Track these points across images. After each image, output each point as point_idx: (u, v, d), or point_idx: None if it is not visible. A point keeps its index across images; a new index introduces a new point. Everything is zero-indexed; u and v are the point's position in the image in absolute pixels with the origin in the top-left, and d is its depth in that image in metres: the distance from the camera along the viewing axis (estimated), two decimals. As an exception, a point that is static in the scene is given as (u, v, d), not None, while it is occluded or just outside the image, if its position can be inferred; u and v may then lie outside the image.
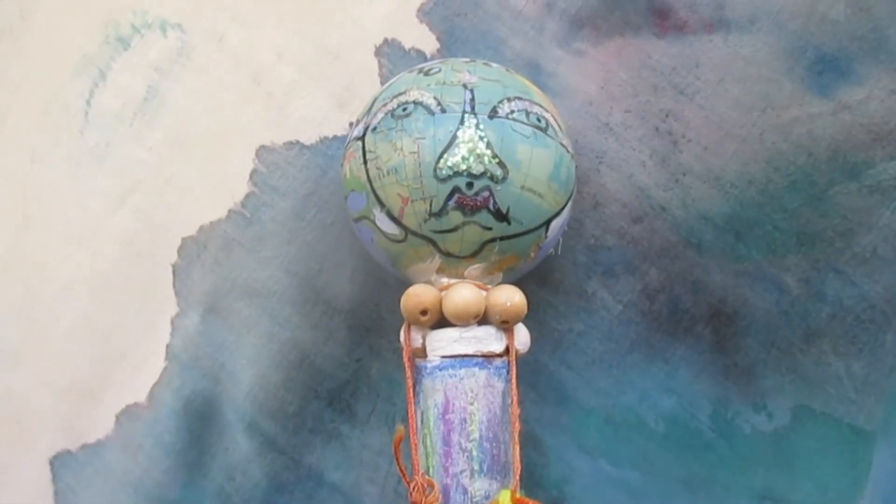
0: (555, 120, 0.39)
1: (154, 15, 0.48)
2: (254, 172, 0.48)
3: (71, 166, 0.49)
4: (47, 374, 0.50)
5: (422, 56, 0.47)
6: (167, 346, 0.50)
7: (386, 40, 0.47)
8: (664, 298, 0.45)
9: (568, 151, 0.39)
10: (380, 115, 0.38)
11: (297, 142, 0.48)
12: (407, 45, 0.47)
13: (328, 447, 0.49)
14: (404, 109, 0.38)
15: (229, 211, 0.49)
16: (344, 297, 0.48)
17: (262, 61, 0.48)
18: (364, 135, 0.39)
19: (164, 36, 0.48)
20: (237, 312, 0.49)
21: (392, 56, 0.47)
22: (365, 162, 0.38)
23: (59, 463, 0.50)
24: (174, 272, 0.49)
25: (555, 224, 0.39)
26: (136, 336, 0.50)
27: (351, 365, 0.48)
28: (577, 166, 0.41)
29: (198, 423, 0.50)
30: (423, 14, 0.47)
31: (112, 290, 0.49)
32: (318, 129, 0.48)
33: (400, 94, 0.38)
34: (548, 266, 0.46)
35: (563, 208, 0.39)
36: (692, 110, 0.44)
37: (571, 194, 0.40)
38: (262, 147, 0.48)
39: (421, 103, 0.37)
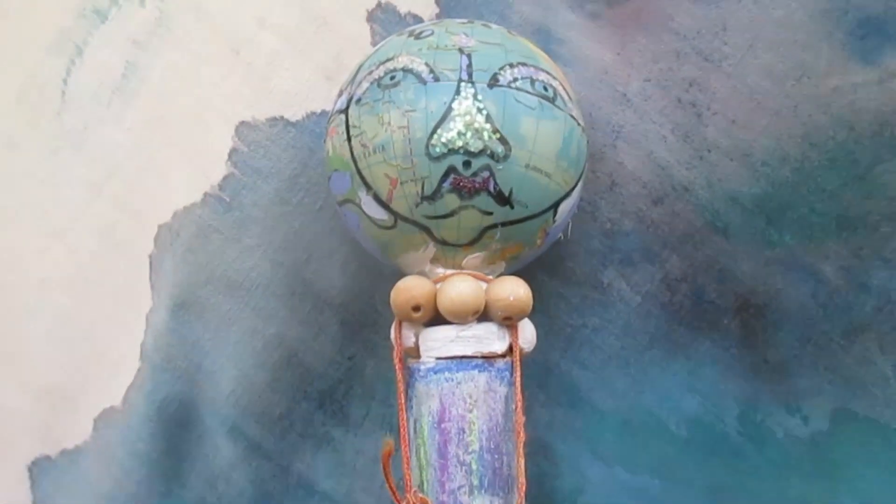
0: (563, 89, 0.37)
1: None
2: (233, 152, 0.46)
3: (48, 153, 0.48)
4: (25, 375, 0.49)
5: (419, 22, 0.44)
6: (141, 345, 0.48)
7: (379, 4, 0.45)
8: (687, 289, 0.44)
9: (579, 124, 0.37)
10: (365, 85, 0.36)
11: (281, 117, 0.46)
12: (402, 10, 0.45)
13: (319, 453, 0.47)
14: (392, 78, 0.35)
15: (205, 194, 0.46)
16: (335, 289, 0.46)
17: (241, 29, 0.46)
18: (347, 107, 0.37)
19: (142, 6, 0.47)
20: (215, 307, 0.47)
21: (386, 22, 0.45)
22: (349, 138, 0.36)
23: (38, 469, 0.50)
24: (151, 264, 0.48)
25: (564, 207, 0.37)
26: (114, 334, 0.49)
27: (343, 363, 0.47)
28: (589, 141, 0.39)
29: (173, 428, 0.48)
30: None
31: (90, 284, 0.48)
32: (304, 103, 0.46)
33: (387, 60, 0.36)
34: (557, 253, 0.44)
35: (573, 189, 0.37)
36: (719, 79, 0.42)
37: (582, 173, 0.38)
38: (243, 123, 0.46)
39: (411, 71, 0.35)
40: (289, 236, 0.46)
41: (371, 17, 0.45)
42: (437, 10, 0.45)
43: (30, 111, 0.48)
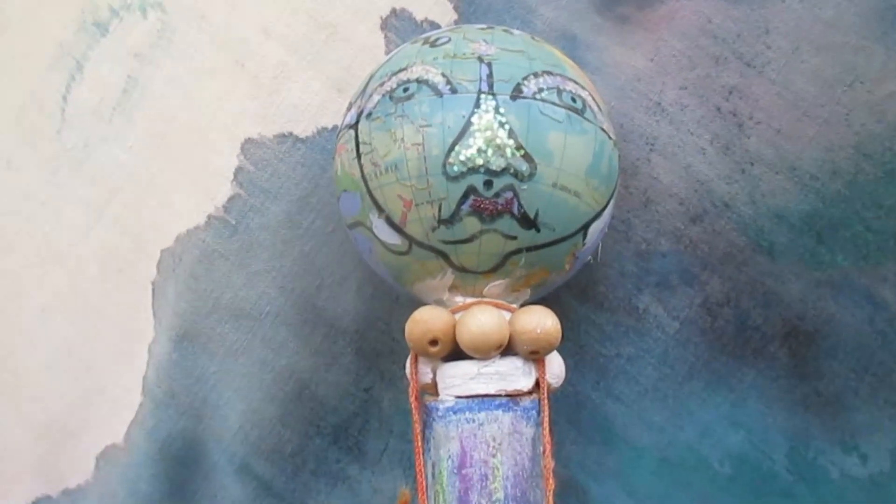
0: (593, 99, 0.35)
1: None
2: (238, 171, 0.45)
3: (48, 172, 0.47)
4: (24, 409, 0.48)
5: (436, 29, 0.43)
6: (143, 379, 0.46)
7: (394, 11, 0.44)
8: (729, 314, 0.42)
9: (610, 138, 0.35)
10: (376, 98, 0.35)
11: (290, 134, 0.44)
12: (419, 16, 0.43)
13: (334, 492, 0.45)
14: (405, 90, 0.34)
15: (209, 217, 0.45)
16: (349, 316, 0.45)
17: (246, 40, 0.45)
18: (357, 122, 0.35)
19: (143, 17, 0.46)
20: (221, 337, 0.45)
21: (401, 29, 0.43)
22: (358, 156, 0.34)
23: (40, 510, 0.48)
24: (153, 291, 0.46)
25: (594, 228, 0.35)
26: (117, 366, 0.47)
27: (359, 396, 0.45)
28: (621, 155, 0.38)
29: (178, 468, 0.46)
30: None
31: (92, 313, 0.47)
32: (314, 118, 0.44)
33: (400, 70, 0.35)
34: (588, 276, 0.43)
35: (604, 209, 0.35)
36: (762, 86, 0.41)
37: (614, 191, 0.36)
38: (249, 141, 0.45)
39: (426, 82, 0.34)
40: (299, 261, 0.45)
41: (385, 25, 0.44)
42: (455, 17, 0.43)
43: (29, 130, 0.47)
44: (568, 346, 0.38)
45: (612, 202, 0.36)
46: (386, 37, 0.43)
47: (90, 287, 0.47)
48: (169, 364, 0.46)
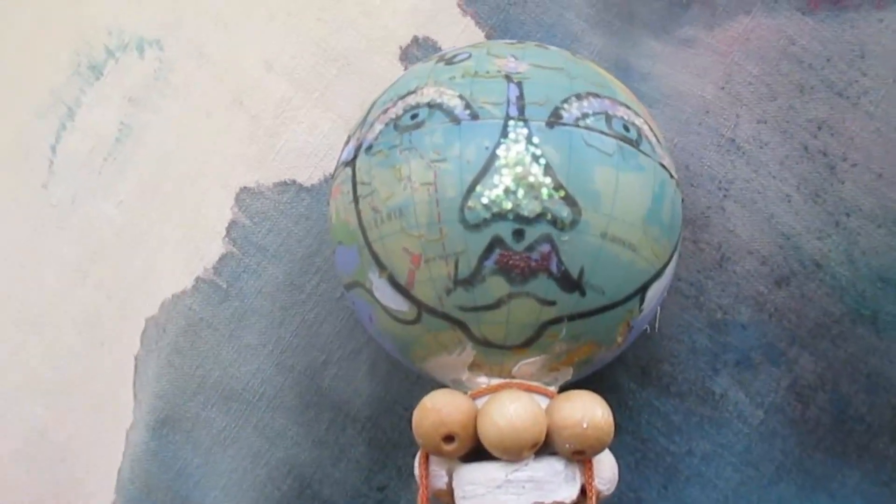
0: (649, 128, 0.32)
1: (131, 33, 0.45)
2: (232, 225, 0.42)
3: (30, 230, 0.46)
4: None
5: None
6: (118, 472, 0.44)
7: (415, 39, 0.42)
8: (825, 400, 0.39)
9: (672, 176, 0.33)
10: (378, 128, 0.32)
11: (293, 182, 0.42)
12: (444, 45, 0.41)
13: None
14: (414, 116, 0.31)
15: (196, 280, 0.43)
16: (360, 399, 0.42)
17: (245, 73, 0.43)
18: (355, 158, 0.32)
19: (140, 57, 0.45)
20: (207, 423, 0.43)
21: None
22: (356, 199, 0.31)
23: None
24: (136, 367, 0.44)
25: (654, 290, 0.32)
26: (92, 454, 0.45)
27: (371, 496, 0.43)
28: (689, 203, 0.39)
29: None
30: (468, 3, 0.42)
31: (69, 391, 0.45)
32: (321, 164, 0.42)
33: (408, 93, 0.32)
34: (649, 351, 0.40)
35: (665, 265, 0.32)
36: (857, 120, 0.39)
37: (677, 243, 0.33)
38: (244, 190, 0.43)
39: (440, 106, 0.30)
40: (301, 332, 0.42)
41: (405, 56, 0.42)
42: None
43: (12, 182, 0.47)
44: (626, 440, 0.38)
45: (675, 257, 0.34)
46: (406, 69, 0.42)
47: (67, 361, 0.45)
48: (146, 455, 0.43)
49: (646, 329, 0.37)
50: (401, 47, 0.42)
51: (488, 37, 0.42)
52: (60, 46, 0.46)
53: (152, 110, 0.44)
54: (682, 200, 0.35)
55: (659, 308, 0.36)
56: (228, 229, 0.43)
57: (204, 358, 0.43)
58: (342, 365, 0.42)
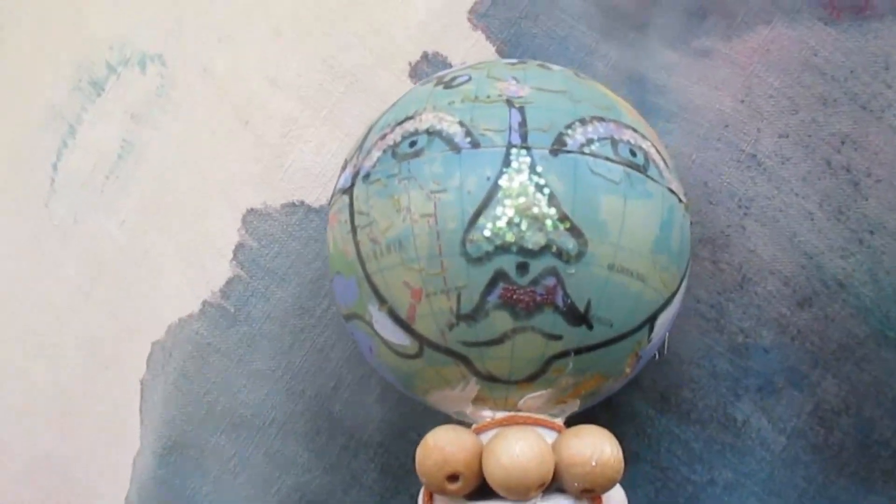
0: (656, 151, 0.31)
1: (133, 48, 0.45)
2: (239, 248, 0.42)
3: (33, 250, 0.46)
4: None
5: None
6: (126, 499, 0.43)
7: (425, 55, 0.41)
8: (848, 424, 0.38)
9: (680, 200, 0.32)
10: (376, 154, 0.31)
11: (301, 203, 0.42)
12: (455, 61, 0.41)
13: None
14: (412, 144, 0.30)
15: (203, 303, 0.42)
16: (372, 425, 0.41)
17: (251, 91, 0.42)
18: (353, 185, 0.31)
19: (142, 73, 0.45)
20: (215, 451, 0.42)
21: None
22: (353, 230, 0.30)
23: None
24: (142, 391, 0.43)
25: (663, 318, 0.31)
26: (98, 481, 0.44)
27: None
28: (708, 221, 0.38)
29: None
30: (478, 17, 0.41)
31: (74, 414, 0.45)
32: (330, 184, 0.41)
33: (406, 119, 0.31)
34: (668, 377, 0.39)
35: (674, 294, 0.32)
36: (881, 134, 0.38)
37: (687, 270, 0.32)
38: (251, 212, 0.42)
39: (439, 133, 0.30)
40: (311, 357, 0.42)
41: (415, 73, 0.41)
42: None
43: (14, 200, 0.46)
44: (645, 469, 0.37)
45: (684, 284, 0.33)
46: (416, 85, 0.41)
47: (73, 384, 0.45)
48: (153, 483, 0.42)
49: (654, 356, 0.36)
50: (410, 63, 0.41)
51: (499, 52, 0.41)
52: (61, 61, 0.46)
53: (154, 127, 0.44)
54: (700, 221, 0.35)
55: (667, 333, 0.36)
56: (235, 252, 0.42)
57: (212, 384, 0.42)
58: (353, 390, 0.42)
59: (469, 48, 0.41)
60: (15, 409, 0.46)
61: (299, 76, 0.42)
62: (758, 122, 0.39)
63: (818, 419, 0.39)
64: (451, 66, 0.41)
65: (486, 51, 0.40)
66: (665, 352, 0.38)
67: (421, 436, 0.38)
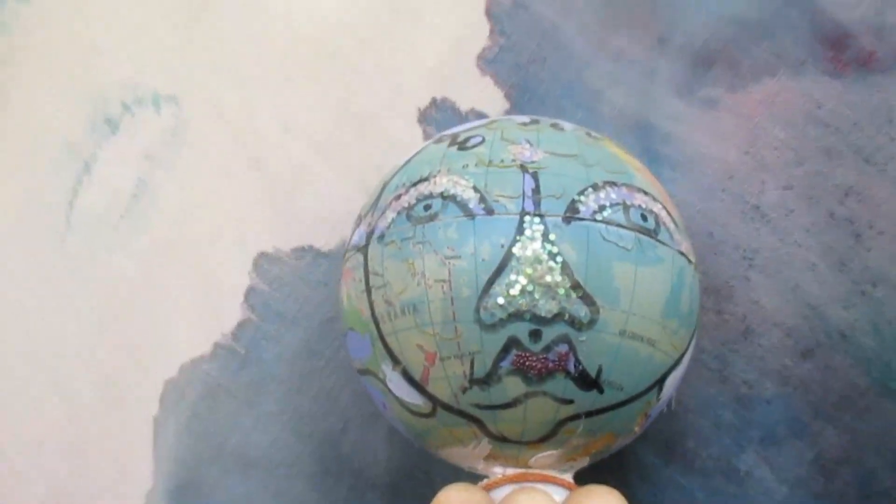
0: (667, 212, 0.31)
1: (147, 88, 0.45)
2: (250, 291, 0.42)
3: (49, 287, 0.45)
4: None
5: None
6: None
7: (434, 101, 0.41)
8: (850, 474, 0.38)
9: (690, 262, 0.31)
10: (390, 216, 0.30)
11: (310, 247, 0.41)
12: (463, 107, 0.41)
13: None
14: (427, 208, 0.29)
15: (215, 345, 0.42)
16: (380, 466, 0.41)
17: (263, 135, 0.42)
18: (367, 244, 0.31)
19: (157, 113, 0.45)
20: (226, 490, 0.42)
21: (442, 122, 0.41)
22: (368, 290, 0.30)
23: None
24: (155, 428, 0.43)
25: (672, 378, 0.31)
26: None
27: None
28: (710, 270, 0.37)
29: None
30: (486, 63, 0.41)
31: (89, 448, 0.44)
32: (339, 227, 0.41)
33: (421, 180, 0.30)
34: (673, 427, 0.39)
35: (683, 354, 0.31)
36: (884, 187, 0.38)
37: (696, 328, 0.32)
38: (262, 255, 0.42)
39: (453, 198, 0.29)
40: (319, 399, 0.42)
41: (423, 117, 0.41)
42: (506, 106, 0.41)
43: (31, 237, 0.46)
44: None
45: (693, 342, 0.32)
46: (424, 131, 0.41)
47: (88, 420, 0.44)
48: None
49: (663, 411, 0.35)
50: (419, 108, 0.41)
51: (507, 97, 0.40)
52: (77, 99, 0.46)
53: (168, 167, 0.44)
54: (705, 271, 0.34)
55: (675, 390, 0.35)
56: (246, 295, 0.42)
57: (222, 425, 0.42)
58: (361, 431, 0.41)
59: (478, 94, 0.40)
60: (30, 444, 0.45)
61: (311, 122, 0.42)
62: (762, 174, 0.38)
63: (819, 468, 0.38)
64: (458, 111, 0.40)
65: (495, 96, 0.40)
66: (673, 406, 0.37)
67: (428, 476, 0.39)
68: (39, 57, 0.46)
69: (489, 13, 0.40)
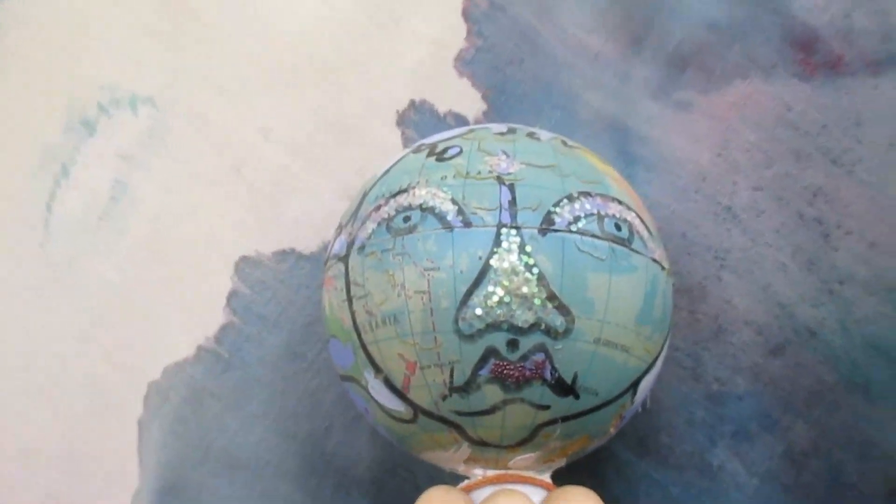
0: (640, 220, 0.31)
1: (124, 90, 0.44)
2: (233, 295, 0.42)
3: (32, 293, 0.45)
4: None
5: (463, 124, 0.40)
6: None
7: (412, 103, 0.41)
8: (818, 466, 0.38)
9: (663, 268, 0.31)
10: (370, 226, 0.30)
11: (292, 251, 0.41)
12: (441, 109, 0.40)
13: None
14: (406, 219, 0.29)
15: (198, 348, 0.42)
16: (364, 464, 0.41)
17: (243, 140, 0.42)
18: (348, 254, 0.31)
19: (134, 115, 0.44)
20: (212, 492, 0.41)
21: (421, 125, 0.40)
22: (349, 299, 0.30)
23: None
24: (140, 431, 0.42)
25: (646, 382, 0.31)
26: None
27: None
28: (683, 270, 0.37)
29: None
30: (464, 64, 0.41)
31: (78, 455, 0.44)
32: (320, 231, 0.41)
33: (400, 191, 0.30)
34: (647, 424, 0.39)
35: (657, 358, 0.31)
36: (851, 188, 0.38)
37: (669, 332, 0.32)
38: (244, 259, 0.42)
39: (432, 210, 0.29)
40: (304, 401, 0.41)
41: (402, 120, 0.41)
42: (484, 108, 0.40)
43: (9, 241, 0.45)
44: None
45: (666, 345, 0.32)
46: (403, 134, 0.41)
47: (75, 425, 0.44)
48: None
49: (637, 411, 0.35)
50: (397, 111, 0.41)
51: (485, 98, 0.40)
52: (54, 100, 0.45)
53: (146, 169, 0.43)
54: (678, 272, 0.35)
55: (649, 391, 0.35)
56: (229, 298, 0.42)
57: (207, 427, 0.42)
58: (345, 431, 0.41)
59: (456, 96, 0.40)
60: (17, 449, 0.45)
61: (290, 126, 0.41)
62: (734, 176, 0.38)
63: (789, 462, 0.38)
64: (437, 113, 0.40)
65: (473, 97, 0.40)
66: (647, 405, 0.38)
67: (411, 474, 0.40)
68: (17, 58, 0.46)
69: (466, 15, 0.40)
